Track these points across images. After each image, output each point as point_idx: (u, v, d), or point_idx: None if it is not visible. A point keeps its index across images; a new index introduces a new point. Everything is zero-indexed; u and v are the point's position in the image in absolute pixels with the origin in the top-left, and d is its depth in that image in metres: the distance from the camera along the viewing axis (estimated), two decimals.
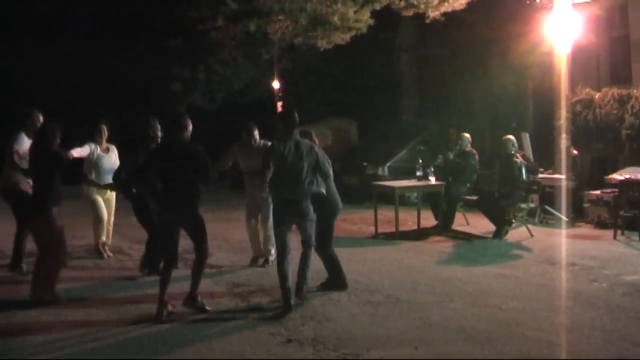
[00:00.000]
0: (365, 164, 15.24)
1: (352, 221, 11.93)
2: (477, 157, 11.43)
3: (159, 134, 8.04)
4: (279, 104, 20.60)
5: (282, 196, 6.86)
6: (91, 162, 8.78)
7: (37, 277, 7.00)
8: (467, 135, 11.57)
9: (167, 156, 6.64)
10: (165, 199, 6.69)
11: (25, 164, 7.73)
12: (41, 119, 7.99)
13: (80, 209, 9.45)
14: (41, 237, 6.97)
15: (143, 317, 6.49)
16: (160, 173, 6.69)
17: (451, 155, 11.44)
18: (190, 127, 6.74)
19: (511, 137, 10.91)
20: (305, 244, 7.00)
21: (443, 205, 11.06)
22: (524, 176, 10.55)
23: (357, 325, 6.15)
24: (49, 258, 6.93)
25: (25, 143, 7.90)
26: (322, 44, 14.98)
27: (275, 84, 20.42)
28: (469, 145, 11.46)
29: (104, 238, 9.10)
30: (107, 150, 8.96)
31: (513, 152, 10.67)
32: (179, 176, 6.54)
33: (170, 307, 6.55)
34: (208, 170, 6.65)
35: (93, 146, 8.82)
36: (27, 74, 19.56)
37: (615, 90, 12.45)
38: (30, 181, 7.55)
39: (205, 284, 7.29)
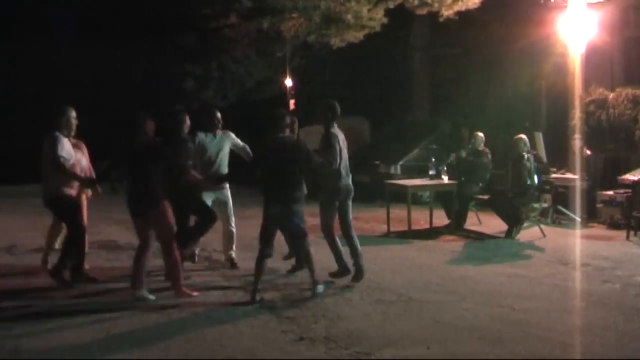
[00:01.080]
0: (377, 162, 15.23)
1: (365, 220, 11.94)
2: (490, 156, 11.42)
3: (188, 125, 7.97)
4: (292, 101, 20.58)
5: (342, 182, 7.48)
6: None
7: (169, 272, 7.09)
8: (481, 134, 11.55)
9: (272, 152, 6.93)
10: (266, 195, 6.99)
11: (69, 164, 7.46)
12: (74, 114, 7.66)
13: (91, 204, 9.36)
14: (160, 231, 6.92)
15: (154, 311, 6.54)
16: (266, 169, 6.99)
17: (464, 154, 11.43)
18: (289, 124, 7.29)
19: (523, 136, 10.83)
20: (347, 224, 7.62)
21: (455, 204, 11.06)
22: (534, 180, 10.47)
23: (369, 323, 6.16)
24: (172, 249, 6.93)
25: (66, 145, 7.50)
26: (336, 42, 14.98)
27: (288, 82, 20.41)
28: (482, 144, 11.45)
29: (57, 246, 8.47)
30: (75, 146, 8.17)
31: (525, 151, 10.63)
32: (280, 171, 6.83)
33: (261, 296, 6.88)
34: (312, 161, 6.99)
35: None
36: (38, 73, 19.63)
37: (629, 91, 12.40)
38: (74, 186, 7.59)
39: (217, 280, 7.33)
